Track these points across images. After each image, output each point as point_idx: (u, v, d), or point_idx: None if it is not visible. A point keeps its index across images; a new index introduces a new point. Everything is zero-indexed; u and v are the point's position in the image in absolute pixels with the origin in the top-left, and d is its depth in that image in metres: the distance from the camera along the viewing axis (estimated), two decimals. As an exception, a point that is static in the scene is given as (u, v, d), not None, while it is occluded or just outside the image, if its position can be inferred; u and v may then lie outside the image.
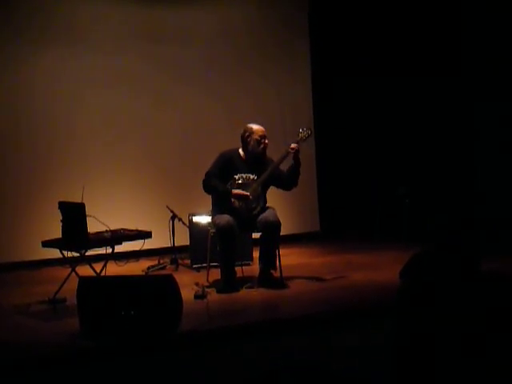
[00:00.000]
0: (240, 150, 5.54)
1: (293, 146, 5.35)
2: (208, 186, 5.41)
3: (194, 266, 6.30)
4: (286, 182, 5.53)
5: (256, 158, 5.47)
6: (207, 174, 5.42)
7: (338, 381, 2.60)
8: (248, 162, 5.49)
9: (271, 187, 5.61)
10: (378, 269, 5.78)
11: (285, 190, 5.64)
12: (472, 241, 2.06)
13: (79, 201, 5.07)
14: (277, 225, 5.31)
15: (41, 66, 6.87)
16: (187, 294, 4.87)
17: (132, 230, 5.48)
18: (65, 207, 5.08)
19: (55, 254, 5.27)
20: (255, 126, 5.49)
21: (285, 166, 5.51)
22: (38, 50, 6.85)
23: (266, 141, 5.46)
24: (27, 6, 6.78)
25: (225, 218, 5.26)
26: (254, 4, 7.68)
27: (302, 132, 5.51)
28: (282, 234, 5.43)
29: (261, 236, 5.40)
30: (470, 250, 2.13)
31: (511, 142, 6.95)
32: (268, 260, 5.39)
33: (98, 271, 5.14)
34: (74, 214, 5.01)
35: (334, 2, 7.89)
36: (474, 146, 7.34)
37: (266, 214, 5.35)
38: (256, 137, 5.44)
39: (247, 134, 5.46)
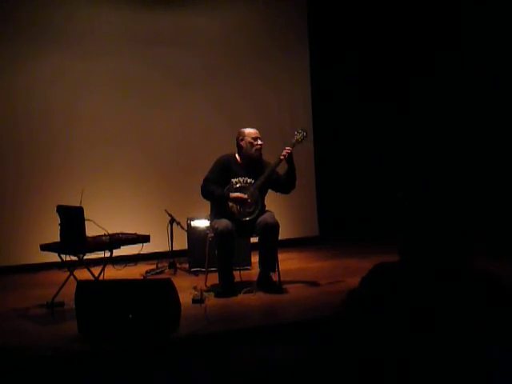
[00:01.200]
0: (236, 155, 5.55)
1: (284, 152, 5.37)
2: (206, 192, 5.42)
3: (193, 270, 6.30)
4: (284, 185, 5.54)
5: (252, 161, 5.49)
6: (205, 180, 5.44)
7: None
8: (245, 166, 5.50)
9: (270, 191, 5.62)
10: (376, 273, 5.77)
11: (283, 193, 5.66)
12: (464, 242, 2.03)
13: (78, 204, 5.06)
14: (275, 226, 5.31)
15: (39, 69, 6.87)
16: (185, 298, 4.87)
17: (130, 234, 5.48)
18: (63, 211, 5.07)
19: (53, 257, 5.27)
20: (247, 130, 5.53)
21: (282, 170, 5.52)
22: (37, 53, 6.85)
23: (260, 142, 5.49)
24: (25, 9, 6.78)
25: (223, 223, 5.26)
26: (252, 5, 7.67)
27: (298, 134, 5.54)
28: (280, 238, 5.43)
29: (259, 239, 5.40)
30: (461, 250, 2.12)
31: (510, 146, 6.97)
32: (267, 262, 5.38)
33: (96, 275, 5.13)
34: (72, 218, 5.00)
35: (333, 2, 7.88)
36: (474, 148, 7.37)
37: (265, 217, 5.35)
38: (249, 139, 5.47)
39: (240, 138, 5.51)
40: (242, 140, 5.50)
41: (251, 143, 5.47)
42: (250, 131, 5.53)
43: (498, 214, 6.91)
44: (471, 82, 7.34)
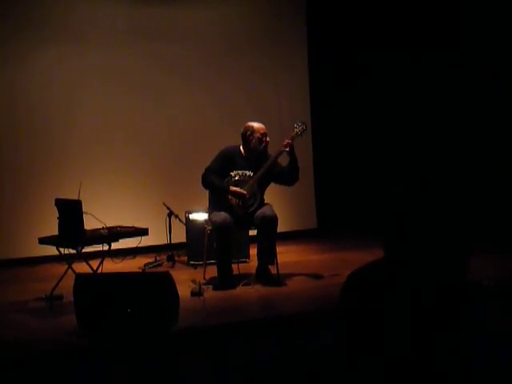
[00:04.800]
0: (241, 148, 5.55)
1: (285, 142, 5.37)
2: (206, 181, 5.42)
3: (191, 263, 6.30)
4: (287, 177, 5.53)
5: (257, 156, 5.48)
6: (207, 170, 5.43)
7: (336, 377, 2.60)
8: (249, 160, 5.50)
9: (272, 184, 5.61)
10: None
11: (287, 185, 5.65)
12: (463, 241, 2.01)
13: (76, 198, 5.06)
14: (274, 219, 5.31)
15: (38, 64, 6.86)
16: (184, 291, 4.88)
17: (129, 227, 5.48)
18: (61, 204, 5.07)
19: (52, 250, 5.27)
20: (256, 125, 5.51)
21: (284, 162, 5.52)
22: (35, 49, 6.83)
23: (268, 138, 5.49)
24: (24, 4, 6.76)
25: (221, 216, 5.27)
26: (251, 1, 7.66)
27: (297, 127, 5.53)
28: (279, 231, 5.43)
29: (258, 231, 5.40)
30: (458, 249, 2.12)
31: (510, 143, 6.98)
32: (266, 255, 5.39)
33: (95, 268, 5.13)
34: (70, 211, 5.00)
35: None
36: (473, 141, 7.38)
37: (263, 209, 5.36)
38: (258, 135, 5.45)
39: (248, 132, 5.48)
40: (251, 135, 5.47)
41: (260, 139, 5.46)
42: (258, 127, 5.50)
43: (497, 213, 6.91)
44: (470, 77, 7.33)
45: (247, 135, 5.48)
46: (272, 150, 5.51)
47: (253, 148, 5.47)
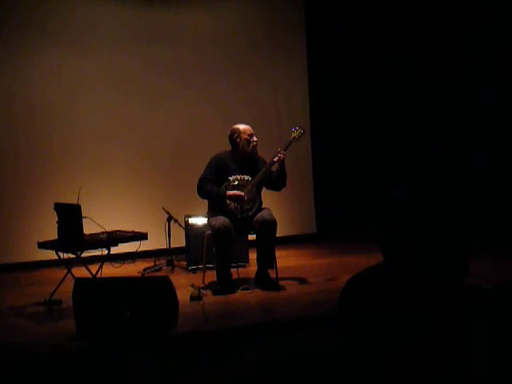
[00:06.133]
0: (230, 152, 5.55)
1: (277, 157, 5.37)
2: (202, 191, 5.41)
3: (190, 267, 6.30)
4: (275, 184, 5.55)
5: (248, 158, 5.49)
6: (200, 179, 5.43)
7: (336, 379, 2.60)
8: (240, 163, 5.51)
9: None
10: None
11: (274, 190, 5.65)
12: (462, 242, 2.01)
13: (75, 202, 5.06)
14: (273, 223, 5.31)
15: (38, 67, 6.87)
16: (183, 295, 4.88)
17: (128, 232, 5.48)
18: (61, 208, 5.07)
19: (51, 255, 5.27)
20: (242, 126, 5.52)
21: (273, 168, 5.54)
22: (35, 51, 6.84)
23: (255, 138, 5.49)
24: (24, 6, 6.78)
25: (221, 220, 5.27)
26: (249, 4, 7.68)
27: (295, 131, 5.54)
28: (278, 235, 5.43)
29: (257, 236, 5.40)
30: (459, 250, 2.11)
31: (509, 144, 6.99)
32: (265, 260, 5.39)
33: (94, 273, 5.13)
34: (69, 216, 5.00)
35: (330, 0, 7.88)
36: (472, 146, 7.38)
37: (262, 213, 5.36)
38: (245, 136, 5.47)
39: (235, 135, 5.50)
40: (238, 137, 5.49)
41: (247, 140, 5.47)
42: (245, 128, 5.52)
43: (497, 214, 6.92)
44: (470, 77, 7.34)
45: (234, 137, 5.50)
46: (269, 153, 5.51)
47: (241, 150, 5.48)
